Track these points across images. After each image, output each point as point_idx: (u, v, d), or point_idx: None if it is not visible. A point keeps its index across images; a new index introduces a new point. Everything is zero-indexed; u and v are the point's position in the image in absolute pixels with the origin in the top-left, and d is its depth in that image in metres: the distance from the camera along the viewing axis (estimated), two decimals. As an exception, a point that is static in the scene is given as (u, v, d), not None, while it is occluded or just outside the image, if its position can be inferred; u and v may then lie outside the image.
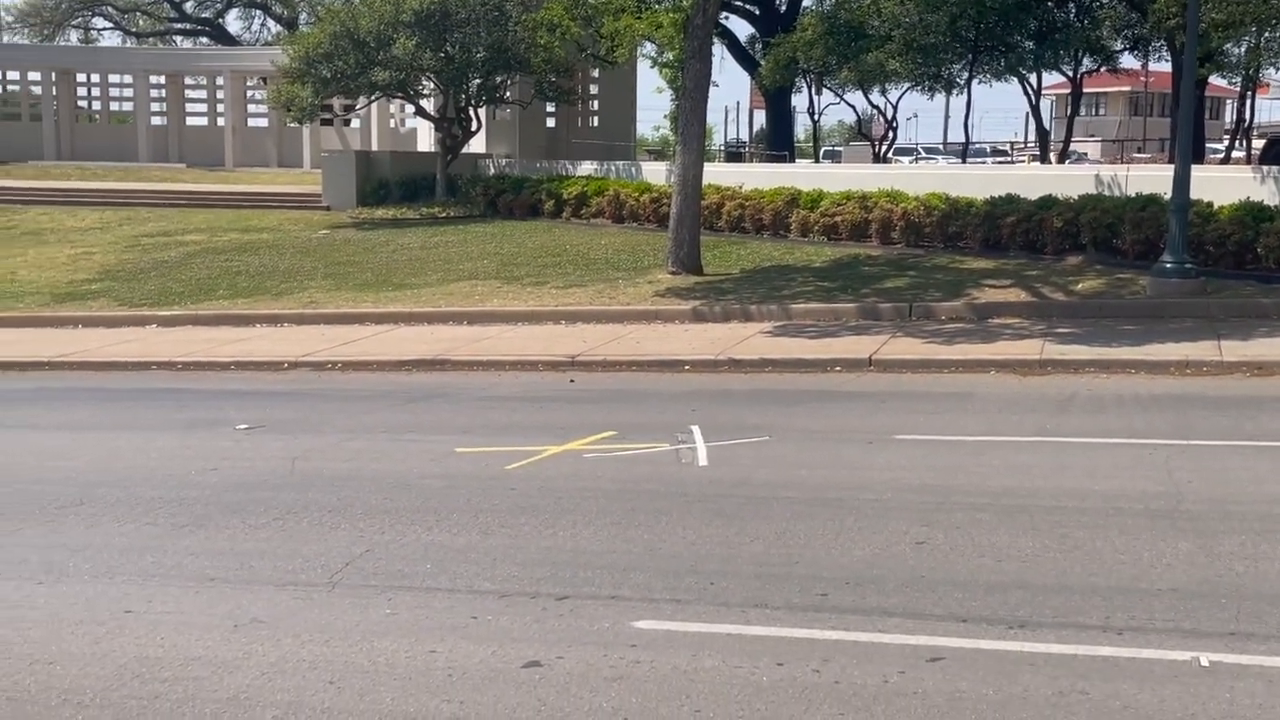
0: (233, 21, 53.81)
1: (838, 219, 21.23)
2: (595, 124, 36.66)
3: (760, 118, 49.64)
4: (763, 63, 29.54)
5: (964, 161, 32.61)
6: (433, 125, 30.54)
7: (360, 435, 10.83)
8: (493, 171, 29.51)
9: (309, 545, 7.50)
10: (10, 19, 49.97)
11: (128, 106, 43.65)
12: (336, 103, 34.11)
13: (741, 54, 33.99)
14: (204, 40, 51.51)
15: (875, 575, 6.54)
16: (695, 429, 10.37)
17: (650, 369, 14.05)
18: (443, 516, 8.04)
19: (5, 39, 49.59)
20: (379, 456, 9.94)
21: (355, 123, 39.51)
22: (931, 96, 30.26)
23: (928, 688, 5.16)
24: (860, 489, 8.32)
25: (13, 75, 42.95)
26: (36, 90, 42.45)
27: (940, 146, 54.08)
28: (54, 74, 41.76)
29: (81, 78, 43.64)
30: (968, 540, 7.10)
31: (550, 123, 35.29)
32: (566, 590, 6.50)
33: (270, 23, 53.00)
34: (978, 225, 19.50)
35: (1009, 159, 45.31)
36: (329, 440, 10.62)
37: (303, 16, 49.52)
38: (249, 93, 43.03)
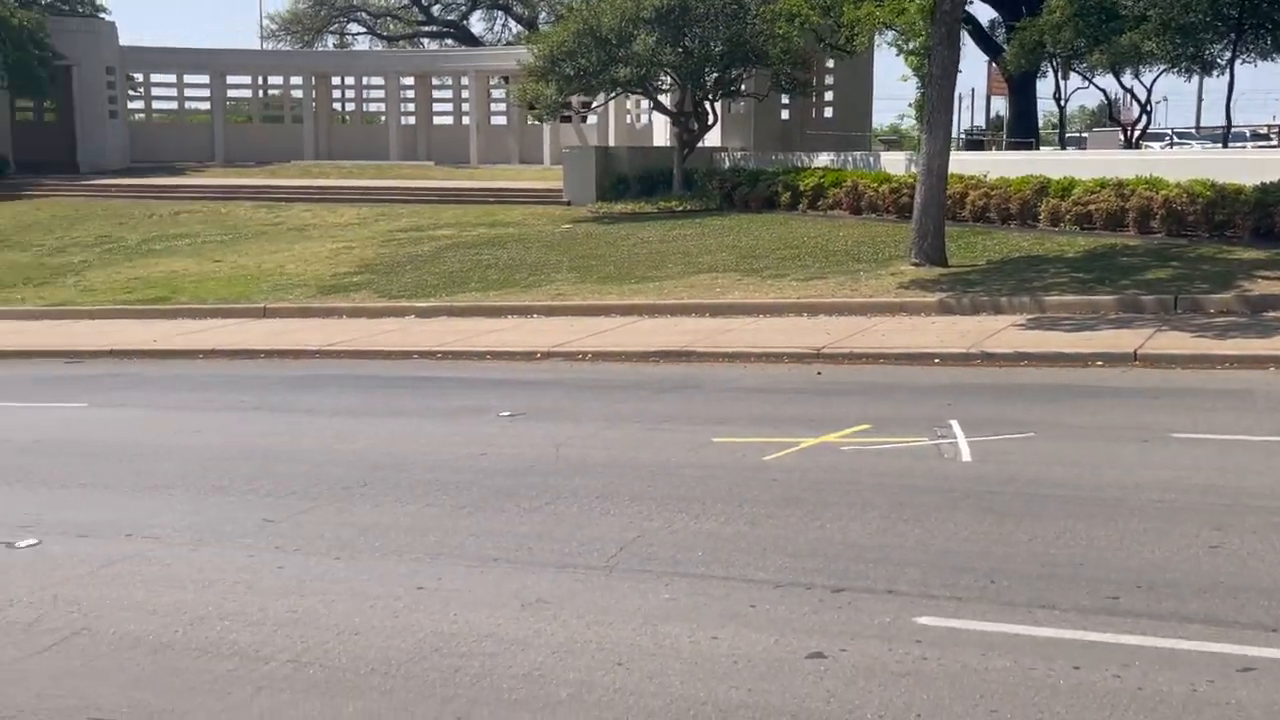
0: (476, 23, 55.71)
1: (1091, 207, 20.35)
2: (829, 115, 36.27)
3: (998, 104, 48.10)
4: (1006, 47, 28.62)
5: (1224, 146, 30.75)
6: (669, 120, 30.85)
7: (617, 424, 11.05)
8: (728, 165, 29.59)
9: (582, 529, 7.70)
10: (275, 27, 53.21)
11: (379, 107, 45.80)
12: (575, 100, 34.87)
13: (983, 38, 33.01)
14: (449, 42, 53.53)
15: (1169, 579, 6.25)
16: (954, 423, 10.14)
17: (898, 362, 13.82)
18: (707, 505, 8.12)
19: (269, 46, 52.87)
20: (638, 445, 10.12)
21: (592, 119, 40.30)
22: (1189, 78, 28.67)
23: (1241, 698, 4.89)
24: (1139, 488, 7.96)
25: (275, 80, 45.68)
26: (297, 94, 45.03)
27: (1193, 130, 51.14)
28: (313, 78, 44.21)
29: (336, 80, 46.03)
30: (1267, 545, 6.69)
31: (784, 115, 35.09)
32: (841, 583, 6.46)
33: (511, 23, 54.66)
34: (1248, 213, 18.36)
35: (1273, 143, 42.45)
36: (588, 428, 10.88)
37: (543, 15, 50.83)
38: (491, 91, 44.50)
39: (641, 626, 6.01)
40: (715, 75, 28.63)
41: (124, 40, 41.32)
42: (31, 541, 7.88)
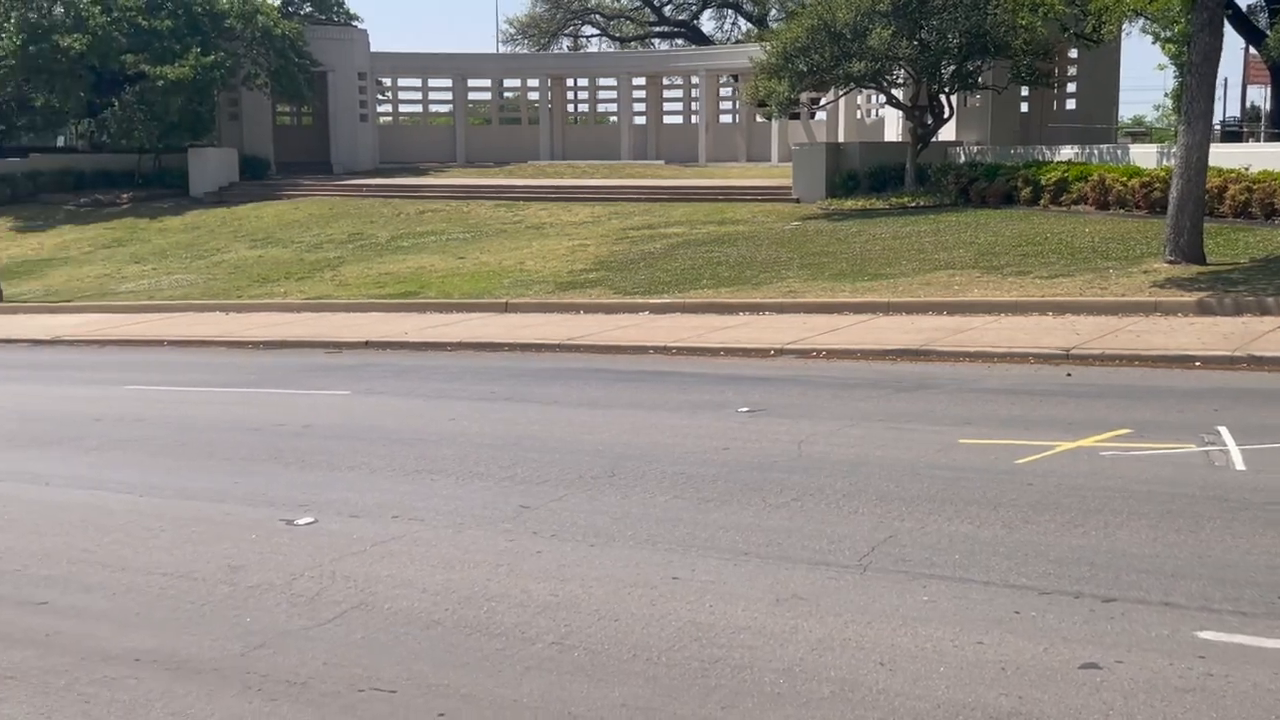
0: (706, 22, 56.01)
1: (1369, 202, 18.90)
2: (1071, 107, 34.86)
3: (1254, 94, 45.21)
4: (1270, 33, 26.79)
5: None
6: (902, 114, 30.28)
7: (859, 422, 10.91)
8: (963, 159, 28.80)
9: (831, 527, 7.64)
10: (512, 31, 54.86)
11: (611, 108, 46.64)
12: (805, 96, 34.62)
13: (1242, 23, 30.99)
14: (679, 42, 54.02)
15: None
16: (1223, 430, 9.58)
17: (1155, 364, 13.16)
18: (959, 508, 7.92)
19: (506, 50, 54.58)
20: (881, 444, 9.96)
21: (821, 115, 39.95)
22: None
23: None
24: None
25: (512, 83, 47.12)
26: (533, 96, 46.35)
27: None
28: (549, 80, 45.39)
29: (570, 82, 47.12)
30: None
31: (1023, 107, 33.94)
32: (1112, 592, 6.19)
33: (741, 21, 54.75)
34: None
35: None
36: (829, 426, 10.78)
37: (773, 13, 50.68)
38: (720, 90, 44.68)
39: (901, 627, 5.91)
40: (952, 68, 27.92)
41: (373, 47, 43.41)
42: (309, 520, 8.37)
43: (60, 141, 51.80)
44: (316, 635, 6.20)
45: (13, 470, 10.45)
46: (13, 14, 35.44)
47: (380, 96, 45.97)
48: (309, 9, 46.00)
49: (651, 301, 20.25)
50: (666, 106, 46.04)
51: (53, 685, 5.69)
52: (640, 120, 44.92)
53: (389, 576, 7.08)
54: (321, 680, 5.64)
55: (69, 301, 26.07)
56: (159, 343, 20.12)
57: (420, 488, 9.17)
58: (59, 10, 35.85)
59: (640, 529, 7.82)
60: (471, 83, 45.43)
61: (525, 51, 53.11)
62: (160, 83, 35.05)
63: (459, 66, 45.00)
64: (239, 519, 8.47)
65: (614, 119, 46.11)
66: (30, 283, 28.51)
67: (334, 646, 6.04)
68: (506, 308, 21.08)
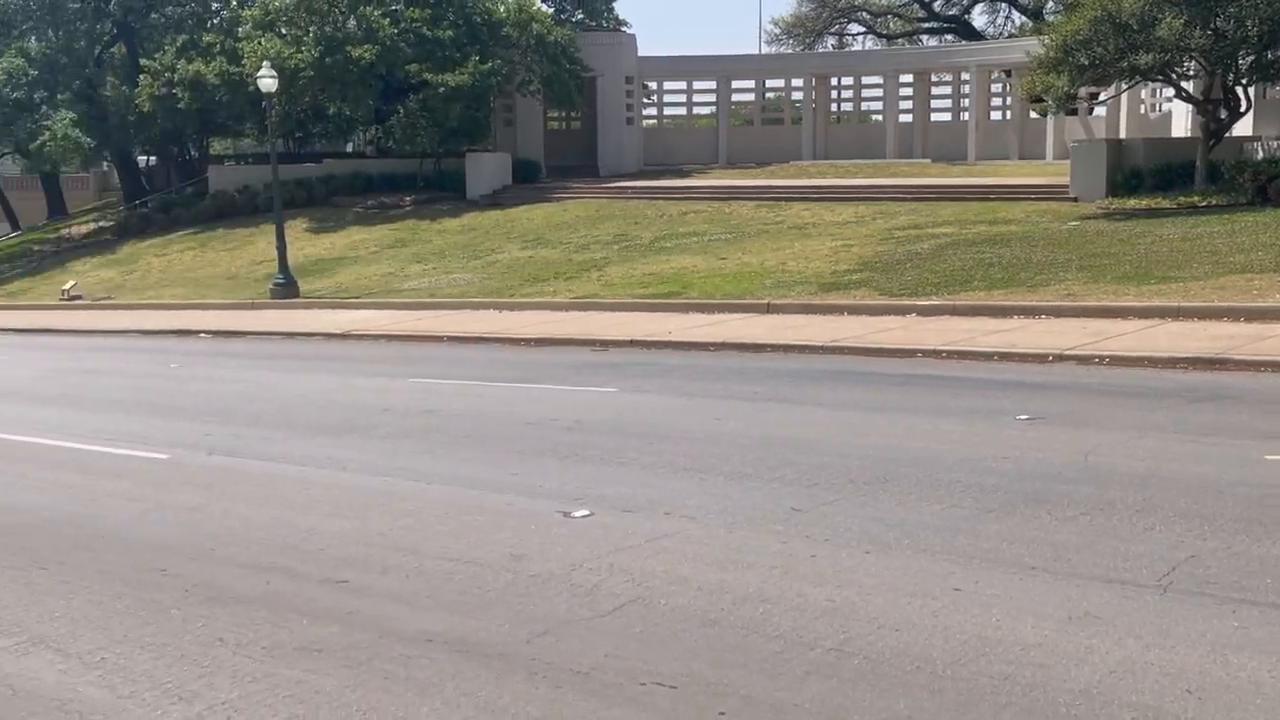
0: (978, 16, 54.51)
1: None
2: (1388, 97, 31.94)
3: None
4: None
5: None
6: (1192, 108, 28.49)
7: (1149, 434, 10.30)
8: (1261, 155, 26.83)
9: (1125, 544, 7.22)
10: (777, 31, 54.85)
11: (875, 106, 45.92)
12: (1084, 91, 33.06)
13: None
14: (949, 38, 52.68)
15: None
16: None
17: None
18: (1269, 528, 7.35)
19: (769, 50, 54.57)
20: (1176, 457, 9.37)
21: (1100, 111, 38.09)
22: None
23: None
24: None
25: (775, 83, 47.06)
26: (796, 96, 46.16)
27: None
28: (813, 79, 45.10)
29: (834, 81, 46.66)
30: None
31: (1331, 98, 31.36)
32: None
33: (1015, 15, 52.87)
34: None
35: None
36: (1116, 437, 10.22)
37: (1049, 4, 48.70)
38: (991, 86, 43.26)
39: (1209, 654, 5.52)
40: (1251, 58, 26.04)
41: (639, 51, 44.25)
42: (585, 513, 8.56)
43: (349, 148, 55.21)
44: (597, 626, 6.32)
45: (313, 455, 11.17)
46: (311, 29, 37.99)
47: (645, 100, 46.83)
48: (580, 16, 47.33)
49: (919, 303, 19.77)
50: (934, 104, 45.00)
51: (355, 659, 6.01)
52: (906, 118, 44.04)
53: (664, 572, 7.15)
54: (603, 671, 5.74)
55: (357, 298, 27.73)
56: (438, 338, 21.12)
57: (690, 485, 9.23)
58: (351, 24, 38.20)
59: (918, 537, 7.61)
60: (735, 84, 45.65)
61: (789, 51, 52.93)
62: (441, 90, 36.82)
63: (722, 68, 45.30)
64: (519, 509, 8.76)
65: (878, 117, 45.38)
66: (323, 280, 30.51)
67: (614, 638, 6.14)
68: (769, 308, 21.04)
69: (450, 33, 37.91)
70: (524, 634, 6.25)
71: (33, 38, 46.09)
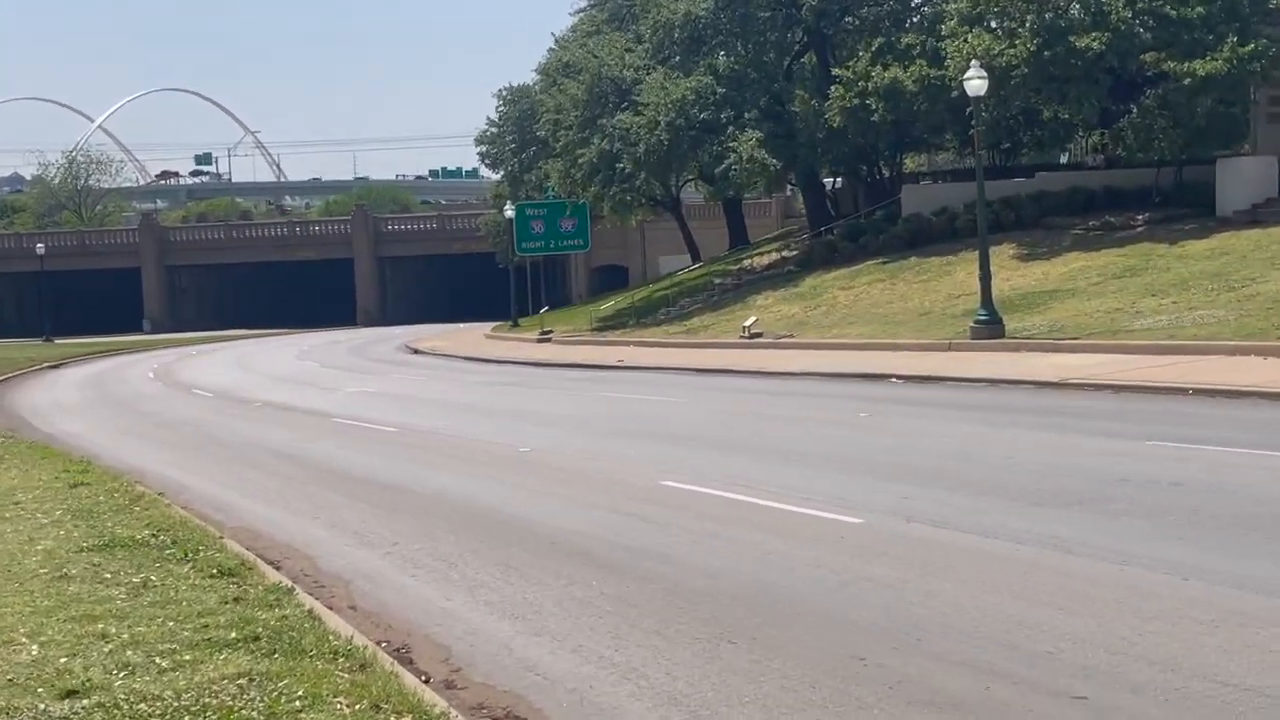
0: None
1: None
2: None
3: None
4: None
5: None
6: None
7: None
8: None
9: None
10: None
11: None
12: None
13: None
14: None
15: None
16: None
17: None
18: None
19: None
20: None
21: None
22: None
23: None
24: None
25: None
26: None
27: None
28: None
29: None
30: None
31: None
32: None
33: None
34: None
35: None
36: None
37: None
38: None
39: None
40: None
41: None
42: None
43: (1062, 159, 54.57)
44: None
45: (1030, 531, 10.84)
46: (1027, 17, 37.91)
47: None
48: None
49: None
50: None
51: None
52: None
53: None
54: None
55: (1074, 339, 27.09)
56: (1181, 391, 19.94)
57: None
58: (1075, 9, 37.64)
59: None
60: None
61: None
62: (1187, 81, 35.08)
63: None
64: (1306, 624, 7.80)
65: None
66: (1033, 317, 30.21)
67: None
68: None
69: (1201, 9, 36.02)
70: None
71: (721, 53, 50.40)
